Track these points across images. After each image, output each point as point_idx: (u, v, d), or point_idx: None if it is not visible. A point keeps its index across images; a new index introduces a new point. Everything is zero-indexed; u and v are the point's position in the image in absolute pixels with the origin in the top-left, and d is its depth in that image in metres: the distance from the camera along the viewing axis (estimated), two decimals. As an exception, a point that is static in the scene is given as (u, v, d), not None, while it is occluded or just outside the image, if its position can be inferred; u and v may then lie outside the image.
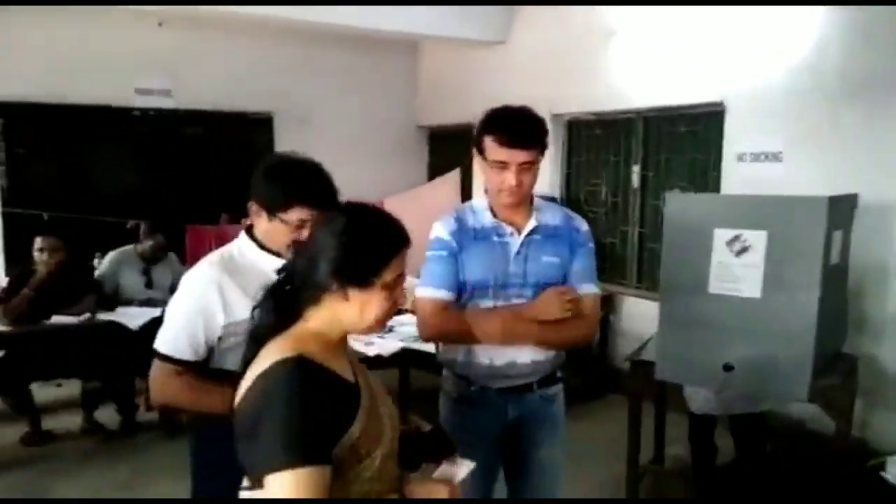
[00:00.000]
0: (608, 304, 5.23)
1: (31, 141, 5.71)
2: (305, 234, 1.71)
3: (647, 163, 5.21)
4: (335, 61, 6.78)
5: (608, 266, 5.51)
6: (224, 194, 6.13)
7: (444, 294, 2.04)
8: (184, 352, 1.75)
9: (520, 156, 1.97)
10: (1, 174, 5.58)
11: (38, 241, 4.25)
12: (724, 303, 2.96)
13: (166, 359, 1.76)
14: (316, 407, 1.23)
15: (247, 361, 1.36)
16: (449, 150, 7.17)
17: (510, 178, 1.98)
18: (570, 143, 5.85)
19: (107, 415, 4.42)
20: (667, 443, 3.74)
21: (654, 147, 5.16)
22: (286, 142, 6.58)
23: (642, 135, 5.20)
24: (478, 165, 2.10)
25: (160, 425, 4.31)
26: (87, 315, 4.17)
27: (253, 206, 1.82)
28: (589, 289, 2.12)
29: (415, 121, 7.38)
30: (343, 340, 1.42)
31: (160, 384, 1.79)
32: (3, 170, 5.58)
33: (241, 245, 1.87)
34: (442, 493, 1.44)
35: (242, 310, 1.71)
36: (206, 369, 1.79)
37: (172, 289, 4.58)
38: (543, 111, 6.02)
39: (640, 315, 5.02)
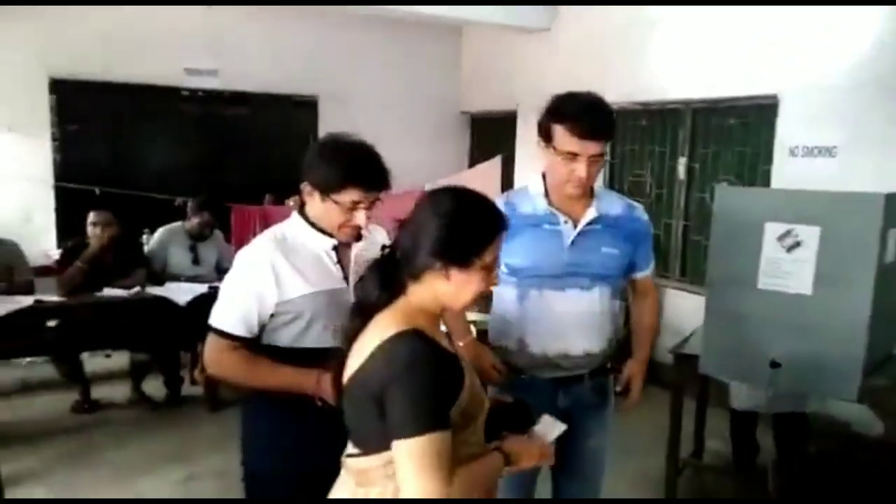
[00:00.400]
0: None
1: (84, 118, 5.82)
2: (358, 215, 1.77)
3: (693, 155, 5.13)
4: (380, 45, 6.80)
5: (650, 258, 5.46)
6: (268, 175, 6.22)
7: None
8: (238, 328, 1.78)
9: (591, 147, 1.92)
10: (54, 149, 5.71)
11: (92, 216, 4.36)
12: (773, 298, 2.91)
13: (221, 334, 1.80)
14: (437, 376, 1.33)
15: (353, 334, 1.44)
16: (491, 136, 7.15)
17: (580, 169, 1.92)
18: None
19: (154, 386, 4.56)
20: (706, 437, 3.72)
21: (702, 139, 5.08)
22: (329, 124, 6.60)
23: (690, 126, 5.12)
24: (541, 151, 2.02)
25: (205, 399, 4.42)
26: (137, 289, 4.28)
27: (306, 187, 1.81)
28: (649, 270, 2.31)
29: (458, 106, 7.37)
30: (440, 315, 1.50)
31: (215, 358, 1.83)
32: (56, 145, 5.71)
33: (293, 225, 1.88)
34: (534, 450, 1.54)
35: (295, 289, 1.78)
36: (259, 345, 1.82)
37: (218, 266, 4.72)
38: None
39: (682, 308, 4.96)
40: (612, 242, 2.07)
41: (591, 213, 2.04)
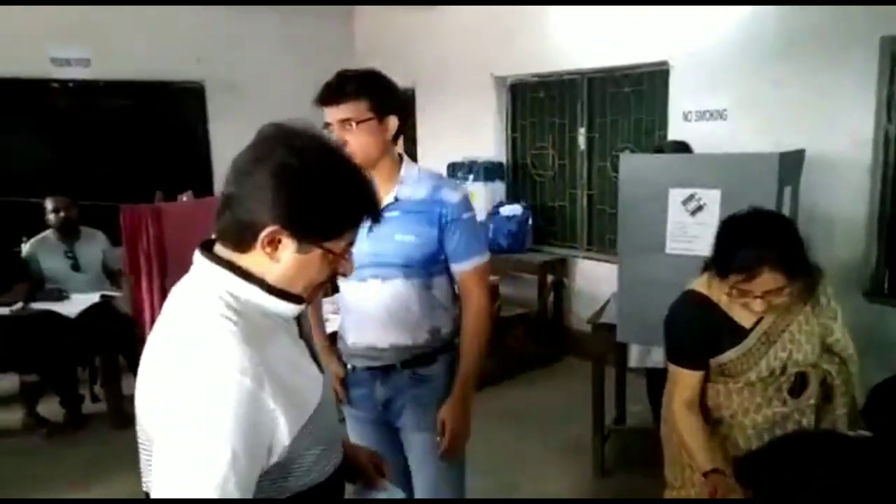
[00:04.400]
0: (561, 267, 5.26)
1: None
2: (349, 261, 1.20)
3: (592, 124, 5.21)
4: (268, 26, 6.48)
5: (558, 230, 5.54)
6: (155, 170, 5.85)
7: None
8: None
9: (335, 113, 1.88)
10: None
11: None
12: (682, 262, 2.97)
13: None
14: (692, 328, 1.87)
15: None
16: (389, 116, 6.99)
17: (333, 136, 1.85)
18: (513, 106, 5.79)
19: (52, 408, 4.20)
20: (628, 401, 3.81)
21: (599, 108, 5.16)
22: (218, 112, 6.31)
23: (587, 96, 5.19)
24: None
25: (109, 416, 4.12)
26: (20, 305, 3.91)
27: (268, 234, 1.08)
28: (470, 264, 2.01)
29: (352, 87, 7.16)
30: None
31: None
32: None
33: (241, 294, 1.11)
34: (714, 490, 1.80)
35: (289, 422, 1.07)
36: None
37: (105, 269, 4.37)
38: (485, 74, 5.93)
39: (592, 276, 5.07)
40: (408, 229, 1.91)
41: (387, 199, 1.92)
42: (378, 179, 1.88)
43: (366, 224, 1.21)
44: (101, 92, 5.90)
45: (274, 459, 1.07)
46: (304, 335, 1.22)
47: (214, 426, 0.99)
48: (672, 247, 3.02)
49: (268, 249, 1.10)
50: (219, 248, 1.15)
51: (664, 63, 4.52)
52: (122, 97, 6.03)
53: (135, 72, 5.89)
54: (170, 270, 4.33)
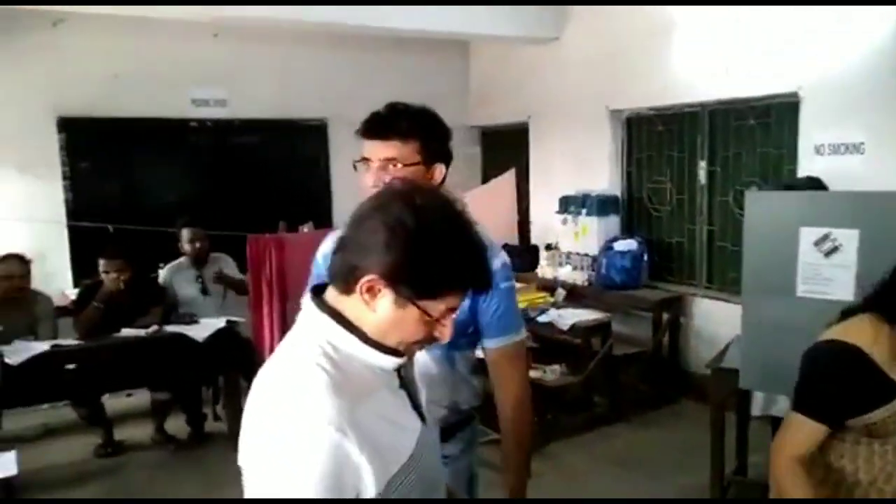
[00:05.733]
0: (678, 305, 5.05)
1: (93, 155, 5.80)
2: (447, 326, 1.16)
3: (713, 158, 5.01)
4: (387, 64, 6.74)
5: (675, 266, 5.34)
6: (280, 202, 6.16)
7: None
8: None
9: (379, 149, 1.65)
10: (65, 188, 5.68)
11: (103, 265, 4.27)
12: (815, 306, 2.79)
13: None
14: (839, 381, 1.67)
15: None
16: (503, 150, 7.06)
17: (368, 178, 1.64)
18: (629, 139, 5.68)
19: (177, 425, 4.47)
20: (749, 451, 3.58)
21: (722, 141, 4.96)
22: (340, 148, 6.58)
23: (708, 129, 5.01)
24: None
25: (229, 435, 4.33)
26: (155, 327, 4.20)
27: (367, 281, 1.09)
28: (505, 342, 1.73)
29: (467, 121, 7.28)
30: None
31: None
32: (67, 184, 5.68)
33: (340, 344, 1.12)
34: None
35: (379, 471, 1.06)
36: None
37: (224, 279, 4.60)
38: (599, 107, 5.86)
39: (711, 316, 4.84)
40: None
41: None
42: None
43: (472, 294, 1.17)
44: (235, 130, 6.32)
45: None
46: (404, 384, 1.20)
47: (299, 475, 1.00)
48: (803, 289, 2.84)
49: (366, 297, 1.09)
50: (329, 292, 1.17)
51: (794, 94, 4.29)
52: (253, 134, 6.42)
53: (265, 110, 6.28)
54: (290, 296, 4.52)
